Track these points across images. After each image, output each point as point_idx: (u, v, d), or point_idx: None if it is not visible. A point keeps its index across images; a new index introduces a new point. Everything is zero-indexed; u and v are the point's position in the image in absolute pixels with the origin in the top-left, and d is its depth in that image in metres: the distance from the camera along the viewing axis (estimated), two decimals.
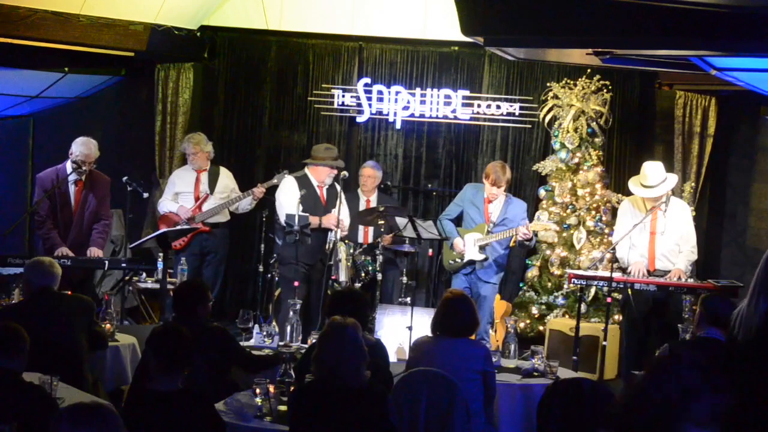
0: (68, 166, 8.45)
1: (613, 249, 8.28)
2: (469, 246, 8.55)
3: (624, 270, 8.35)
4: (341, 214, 8.81)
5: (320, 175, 8.89)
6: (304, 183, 8.87)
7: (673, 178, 8.39)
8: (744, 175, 9.98)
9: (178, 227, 9.08)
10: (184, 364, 4.73)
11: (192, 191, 9.39)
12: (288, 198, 8.82)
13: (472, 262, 8.57)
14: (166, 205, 9.39)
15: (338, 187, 8.93)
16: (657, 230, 8.24)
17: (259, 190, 9.32)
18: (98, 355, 6.56)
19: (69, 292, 6.76)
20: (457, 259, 8.66)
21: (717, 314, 5.54)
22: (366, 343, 5.12)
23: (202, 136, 9.56)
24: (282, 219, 8.88)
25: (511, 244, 8.66)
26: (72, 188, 8.49)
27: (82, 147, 8.42)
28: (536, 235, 8.78)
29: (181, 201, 9.38)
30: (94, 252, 8.42)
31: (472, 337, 6.19)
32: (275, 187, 9.21)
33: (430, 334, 5.97)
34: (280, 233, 8.96)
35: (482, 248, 8.51)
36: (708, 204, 10.00)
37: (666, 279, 8.11)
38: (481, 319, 8.43)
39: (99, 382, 6.35)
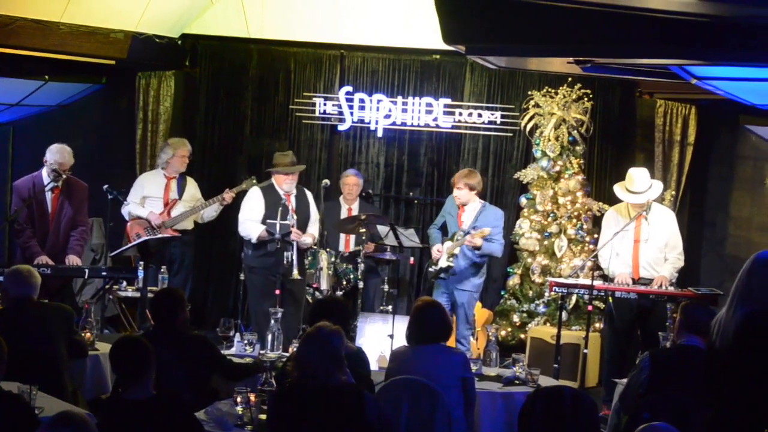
0: (44, 173, 8.43)
1: (594, 257, 8.30)
2: (443, 253, 8.56)
3: (605, 278, 8.37)
4: (309, 226, 8.83)
5: (279, 183, 8.81)
6: (269, 192, 8.81)
7: (659, 185, 8.43)
8: (724, 184, 10.03)
9: (159, 236, 9.04)
10: (147, 371, 4.72)
11: (161, 196, 9.33)
12: (245, 213, 8.79)
13: (444, 270, 8.57)
14: (134, 209, 9.29)
15: (308, 195, 8.94)
16: (641, 238, 8.25)
17: (229, 196, 9.26)
18: (78, 364, 6.51)
19: (46, 301, 6.72)
20: (434, 267, 8.66)
21: (696, 322, 5.56)
22: (347, 352, 5.13)
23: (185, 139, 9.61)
24: (243, 233, 8.80)
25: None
26: (49, 195, 8.46)
27: (57, 155, 8.39)
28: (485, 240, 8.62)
29: (148, 205, 9.31)
30: (72, 260, 8.38)
31: (449, 342, 6.20)
32: (244, 192, 9.22)
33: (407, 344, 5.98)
34: (249, 243, 8.86)
35: (451, 255, 8.50)
36: (688, 212, 10.04)
37: (649, 286, 8.12)
38: (459, 326, 8.46)
39: (79, 391, 6.31)
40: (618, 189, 8.40)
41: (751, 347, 4.37)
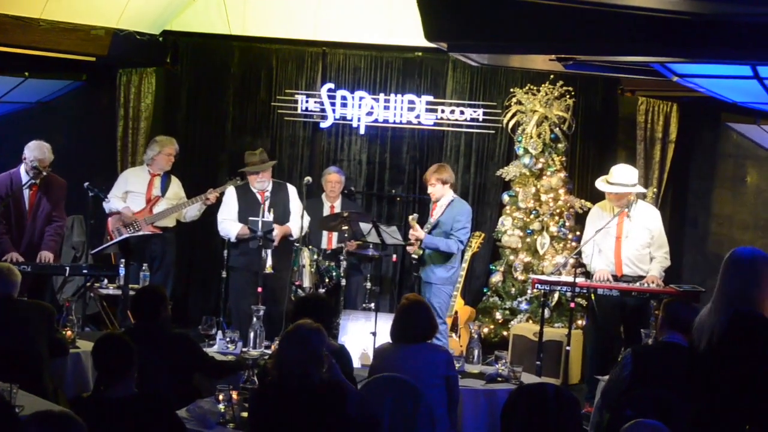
0: (22, 170, 8.40)
1: (577, 254, 8.31)
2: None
3: (588, 275, 8.40)
4: (290, 221, 8.80)
5: (252, 181, 8.89)
6: (244, 191, 8.87)
7: (639, 188, 8.41)
8: (705, 181, 10.06)
9: (140, 233, 9.01)
10: (130, 369, 4.71)
11: (144, 192, 9.31)
12: (222, 213, 8.92)
13: (418, 262, 8.63)
14: (114, 203, 9.26)
15: (288, 190, 8.92)
16: (622, 235, 8.27)
17: (213, 195, 9.26)
18: (59, 363, 6.49)
19: (24, 298, 6.69)
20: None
21: (678, 318, 5.59)
22: (329, 349, 5.13)
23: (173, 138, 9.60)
24: (222, 233, 8.91)
25: None
26: (26, 193, 8.43)
27: (36, 151, 8.36)
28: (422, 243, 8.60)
29: (130, 200, 9.28)
30: (45, 256, 8.34)
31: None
32: None
33: (391, 341, 5.99)
34: (229, 243, 8.91)
35: (420, 248, 8.55)
36: (670, 210, 10.07)
37: (640, 285, 8.12)
38: None
39: (60, 389, 6.29)
40: (599, 181, 8.41)
41: (737, 348, 4.38)
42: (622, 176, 8.24)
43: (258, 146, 10.74)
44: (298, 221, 8.92)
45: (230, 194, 8.93)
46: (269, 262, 8.52)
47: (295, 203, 9.00)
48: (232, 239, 8.78)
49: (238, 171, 9.14)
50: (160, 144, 9.42)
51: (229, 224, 8.79)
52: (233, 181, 9.20)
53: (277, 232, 8.71)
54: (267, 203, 8.73)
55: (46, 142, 8.55)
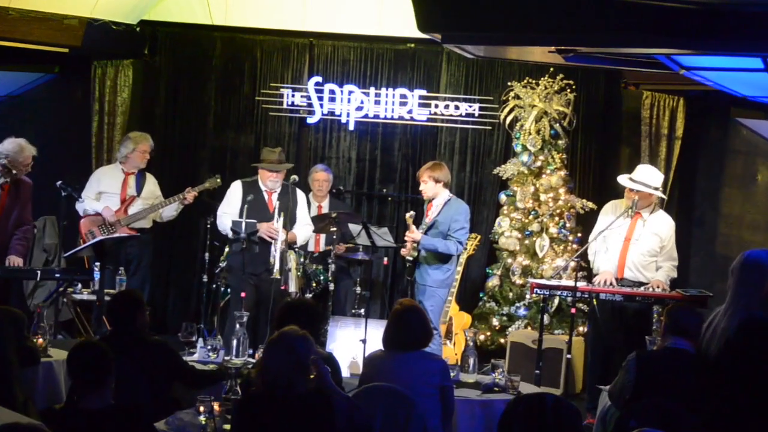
0: None
1: (578, 257, 8.28)
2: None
3: (590, 279, 8.39)
4: (295, 226, 8.75)
5: (263, 179, 8.82)
6: (252, 188, 8.80)
7: (659, 193, 8.40)
8: (713, 180, 10.07)
9: (116, 235, 9.00)
10: (107, 378, 4.71)
11: (118, 192, 9.32)
12: (222, 206, 8.86)
13: (412, 265, 8.64)
14: (89, 204, 9.25)
15: (298, 195, 8.86)
16: (632, 237, 8.26)
17: (191, 195, 9.25)
18: (29, 372, 6.46)
19: None
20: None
21: (681, 324, 5.60)
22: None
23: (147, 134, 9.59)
24: (219, 227, 8.86)
25: None
26: None
27: (19, 151, 8.33)
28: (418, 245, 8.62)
29: (104, 201, 9.29)
30: (13, 260, 8.32)
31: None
32: (207, 191, 9.19)
33: (383, 348, 5.98)
34: (229, 241, 8.91)
35: (415, 250, 8.54)
36: (676, 209, 10.06)
37: (644, 290, 8.13)
38: None
39: (30, 400, 6.24)
40: (622, 176, 8.40)
41: (748, 354, 4.40)
42: (644, 175, 8.24)
43: (242, 143, 10.79)
44: (303, 229, 8.85)
45: (236, 188, 8.82)
46: (277, 265, 8.46)
47: (303, 211, 8.91)
48: (230, 235, 8.73)
49: (252, 165, 9.09)
50: (133, 141, 9.41)
51: (228, 219, 8.73)
52: (213, 179, 9.20)
53: (284, 238, 8.64)
54: (277, 206, 8.68)
55: (17, 138, 8.50)
